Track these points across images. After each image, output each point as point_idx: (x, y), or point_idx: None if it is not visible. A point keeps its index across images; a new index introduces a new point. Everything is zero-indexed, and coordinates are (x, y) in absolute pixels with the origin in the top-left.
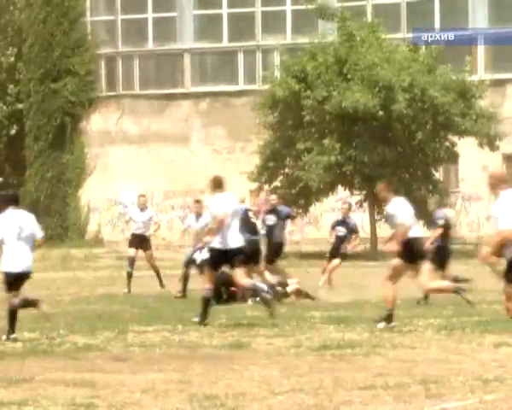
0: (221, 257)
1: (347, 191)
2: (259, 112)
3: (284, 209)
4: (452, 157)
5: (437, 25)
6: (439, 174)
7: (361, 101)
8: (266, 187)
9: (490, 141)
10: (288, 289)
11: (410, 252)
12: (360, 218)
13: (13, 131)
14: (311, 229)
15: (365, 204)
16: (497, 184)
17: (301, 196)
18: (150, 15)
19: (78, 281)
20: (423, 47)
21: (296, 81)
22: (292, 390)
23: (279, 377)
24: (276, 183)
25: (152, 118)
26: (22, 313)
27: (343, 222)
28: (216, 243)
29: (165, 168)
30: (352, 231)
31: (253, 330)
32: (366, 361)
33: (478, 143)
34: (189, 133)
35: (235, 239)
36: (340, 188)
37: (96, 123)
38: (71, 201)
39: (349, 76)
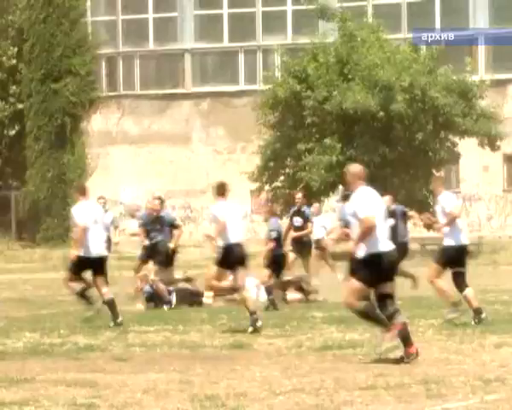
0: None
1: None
2: (260, 112)
3: (307, 209)
4: (453, 157)
5: (437, 25)
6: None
7: (361, 101)
8: (267, 187)
9: (491, 141)
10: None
11: None
12: None
13: (14, 132)
14: None
15: None
16: (353, 179)
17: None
18: (151, 16)
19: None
20: (424, 47)
21: (297, 81)
22: (293, 390)
23: (280, 378)
24: (277, 183)
25: (152, 118)
26: (23, 314)
27: (299, 212)
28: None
29: (165, 168)
30: (307, 220)
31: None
32: (367, 361)
33: (479, 144)
34: (189, 133)
35: (99, 247)
36: (338, 189)
37: (97, 123)
38: (72, 201)
39: (350, 76)
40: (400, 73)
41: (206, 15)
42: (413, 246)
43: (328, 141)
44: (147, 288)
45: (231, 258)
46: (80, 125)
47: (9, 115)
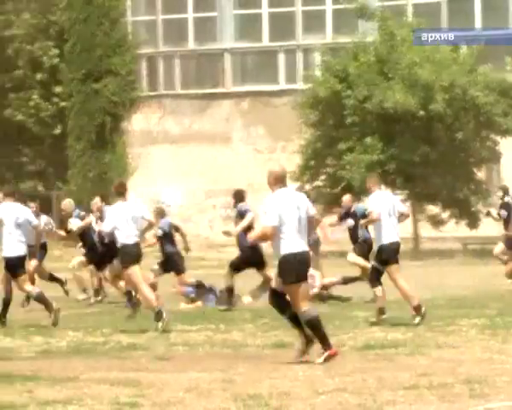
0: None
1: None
2: (301, 111)
3: (359, 208)
4: (494, 157)
5: (478, 24)
6: (481, 174)
7: (400, 101)
8: (308, 187)
9: None
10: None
11: None
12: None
13: (57, 131)
14: None
15: (407, 204)
16: (272, 181)
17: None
18: (190, 15)
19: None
20: (464, 47)
21: (337, 80)
22: (335, 390)
23: (323, 377)
24: (318, 182)
25: (193, 117)
26: (66, 313)
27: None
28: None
29: (206, 168)
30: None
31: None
32: (410, 361)
33: None
34: (230, 133)
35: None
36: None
37: (138, 123)
38: (112, 201)
39: (390, 75)
40: (440, 72)
41: (245, 15)
42: (455, 245)
43: (368, 140)
44: (189, 289)
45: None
46: (121, 125)
47: (52, 115)
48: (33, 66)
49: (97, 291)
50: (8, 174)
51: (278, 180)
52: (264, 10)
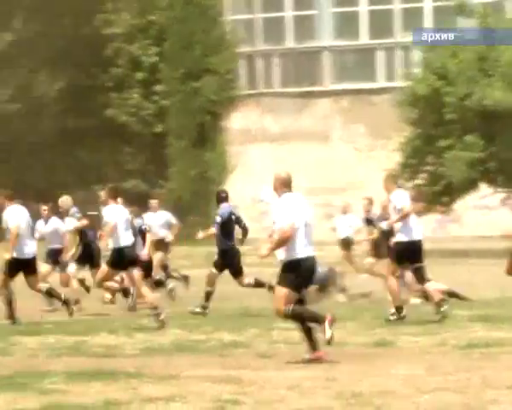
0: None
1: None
2: (400, 109)
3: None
4: None
5: None
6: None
7: (501, 98)
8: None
9: None
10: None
11: None
12: (505, 215)
13: (158, 130)
14: (454, 227)
15: (511, 202)
16: (278, 186)
17: (444, 194)
18: (289, 14)
19: (224, 278)
20: None
21: (437, 78)
22: (438, 389)
23: (425, 376)
24: (418, 180)
25: (292, 116)
26: (169, 310)
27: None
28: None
29: (305, 166)
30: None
31: (397, 329)
32: None
33: None
34: (328, 131)
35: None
36: (479, 186)
37: (237, 121)
38: (213, 198)
39: (490, 72)
40: None
41: (344, 13)
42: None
43: (469, 138)
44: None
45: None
46: (220, 124)
47: (153, 114)
48: (133, 65)
49: (125, 292)
50: (111, 173)
51: (284, 185)
52: (363, 8)
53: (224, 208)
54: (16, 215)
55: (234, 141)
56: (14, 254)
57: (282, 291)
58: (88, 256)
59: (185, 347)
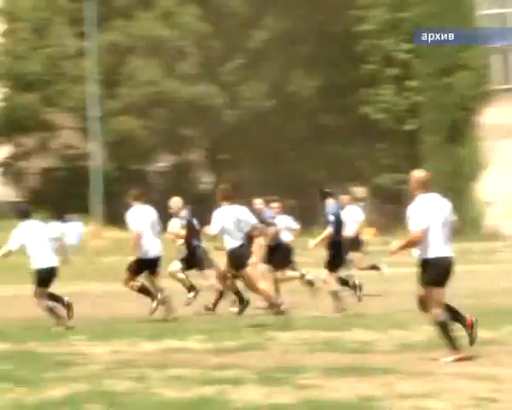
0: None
1: None
2: None
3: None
4: None
5: None
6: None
7: None
8: None
9: None
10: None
11: None
12: None
13: (410, 126)
14: None
15: None
16: (416, 187)
17: None
18: None
19: (476, 274)
20: None
21: None
22: None
23: None
24: None
25: None
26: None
27: None
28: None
29: None
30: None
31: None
32: None
33: None
34: None
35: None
36: None
37: (491, 116)
38: (467, 195)
39: None
40: None
41: None
42: None
43: None
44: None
45: None
46: (474, 119)
47: (405, 110)
48: (386, 61)
49: (191, 287)
50: (366, 169)
51: (421, 185)
52: None
53: (331, 206)
54: (138, 216)
55: (487, 136)
56: (139, 255)
57: (429, 290)
58: (194, 259)
59: (440, 344)
